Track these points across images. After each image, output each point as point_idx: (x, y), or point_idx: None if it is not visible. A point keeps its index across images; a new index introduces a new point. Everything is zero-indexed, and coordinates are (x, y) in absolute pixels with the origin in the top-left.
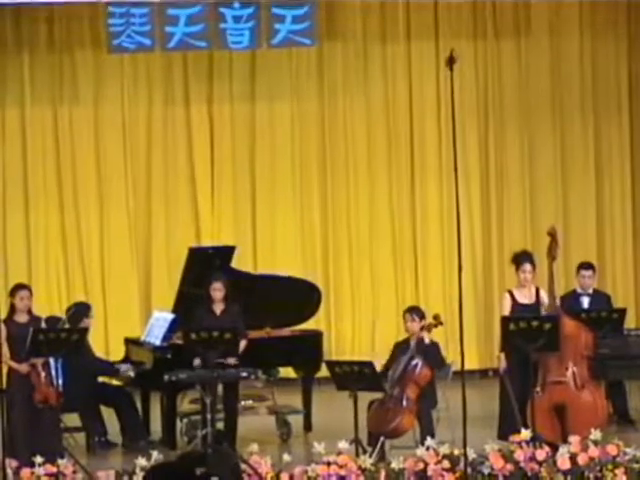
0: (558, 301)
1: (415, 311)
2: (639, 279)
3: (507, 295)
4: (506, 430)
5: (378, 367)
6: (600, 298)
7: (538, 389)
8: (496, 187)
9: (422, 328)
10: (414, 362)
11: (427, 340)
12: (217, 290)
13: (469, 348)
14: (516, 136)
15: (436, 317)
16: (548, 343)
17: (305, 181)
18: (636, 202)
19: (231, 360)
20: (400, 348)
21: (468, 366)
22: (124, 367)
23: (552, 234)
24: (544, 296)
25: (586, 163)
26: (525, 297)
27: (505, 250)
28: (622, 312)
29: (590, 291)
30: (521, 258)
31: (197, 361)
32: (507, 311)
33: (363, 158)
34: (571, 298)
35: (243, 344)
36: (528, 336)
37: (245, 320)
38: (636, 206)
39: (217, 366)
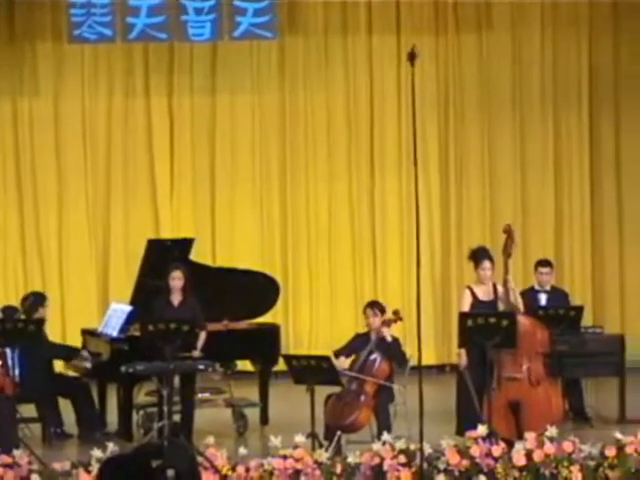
0: (513, 297)
1: (376, 306)
2: (596, 277)
3: (467, 291)
4: (465, 426)
5: (343, 364)
6: (558, 295)
7: (494, 385)
8: (456, 182)
9: (383, 323)
10: (373, 357)
11: (388, 337)
12: (176, 279)
13: (426, 344)
14: (476, 131)
15: (396, 312)
16: (505, 339)
17: (265, 174)
18: (595, 199)
19: (196, 353)
20: (360, 340)
21: (425, 361)
22: (85, 353)
23: (508, 232)
24: (511, 292)
25: (545, 159)
26: (484, 294)
27: (464, 246)
28: (579, 310)
29: (548, 288)
30: (479, 255)
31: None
32: (467, 307)
33: (323, 151)
34: (529, 295)
35: (203, 336)
36: (486, 332)
37: (203, 313)
38: (595, 203)
39: (174, 358)
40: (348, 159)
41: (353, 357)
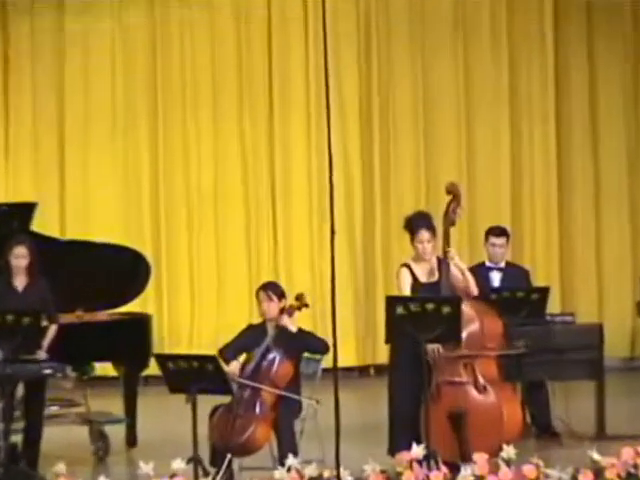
0: (461, 276)
1: (272, 288)
2: (565, 250)
3: (405, 271)
4: (398, 445)
5: (232, 368)
6: (515, 273)
7: (432, 392)
8: (381, 131)
9: (282, 311)
10: (271, 356)
11: (292, 328)
12: (20, 257)
13: (345, 338)
14: (407, 66)
15: (300, 297)
16: (446, 332)
17: (129, 120)
18: (562, 151)
19: (42, 354)
20: (254, 333)
21: (343, 362)
22: None
23: (452, 192)
24: (455, 268)
25: (497, 100)
26: (426, 273)
27: (392, 212)
28: (544, 292)
29: (502, 264)
30: (417, 223)
31: None
32: (407, 290)
33: (206, 90)
34: (477, 273)
35: (52, 331)
36: (421, 323)
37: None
38: (562, 156)
39: (14, 361)
40: (239, 101)
41: (245, 356)
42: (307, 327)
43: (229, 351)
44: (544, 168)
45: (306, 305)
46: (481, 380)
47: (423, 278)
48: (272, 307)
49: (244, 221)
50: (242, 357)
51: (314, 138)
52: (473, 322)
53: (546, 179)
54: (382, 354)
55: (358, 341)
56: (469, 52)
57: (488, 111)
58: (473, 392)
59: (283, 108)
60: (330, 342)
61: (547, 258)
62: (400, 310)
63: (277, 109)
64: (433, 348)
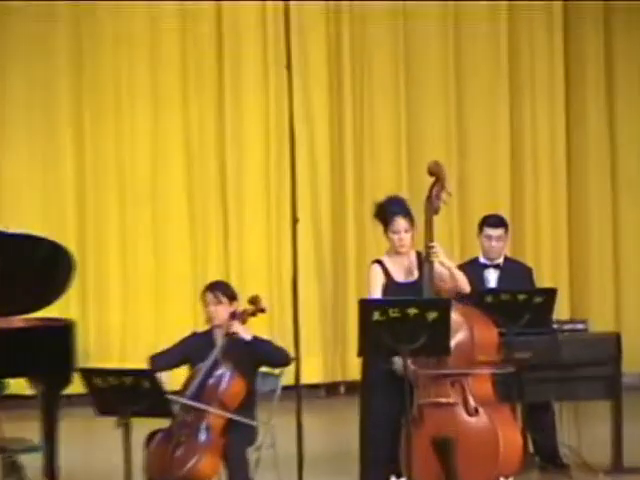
0: (447, 274)
1: (221, 289)
2: (575, 244)
3: (376, 268)
4: (372, 476)
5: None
6: (515, 272)
7: (414, 414)
8: (353, 100)
9: (233, 316)
10: (219, 371)
11: (246, 336)
12: None
13: (310, 350)
14: (385, 23)
15: (255, 300)
16: (432, 343)
17: (50, 93)
18: (572, 126)
19: None
20: (198, 343)
21: (308, 378)
22: None
23: (434, 173)
24: (440, 266)
25: (493, 63)
26: (403, 271)
27: (367, 199)
28: (550, 294)
29: (500, 261)
30: (390, 210)
31: None
32: (378, 292)
33: (142, 54)
34: (470, 271)
35: None
36: (402, 332)
37: None
38: (572, 132)
39: None
40: (182, 62)
41: (189, 372)
42: (264, 336)
43: (162, 359)
44: (550, 146)
45: (262, 310)
46: (472, 401)
47: (399, 277)
48: (221, 312)
49: (187, 211)
50: (180, 370)
51: (272, 104)
52: (461, 330)
53: (553, 159)
54: (354, 369)
55: (325, 353)
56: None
57: (482, 77)
58: (463, 415)
59: (234, 68)
60: (292, 354)
61: (554, 254)
62: (376, 316)
63: (227, 70)
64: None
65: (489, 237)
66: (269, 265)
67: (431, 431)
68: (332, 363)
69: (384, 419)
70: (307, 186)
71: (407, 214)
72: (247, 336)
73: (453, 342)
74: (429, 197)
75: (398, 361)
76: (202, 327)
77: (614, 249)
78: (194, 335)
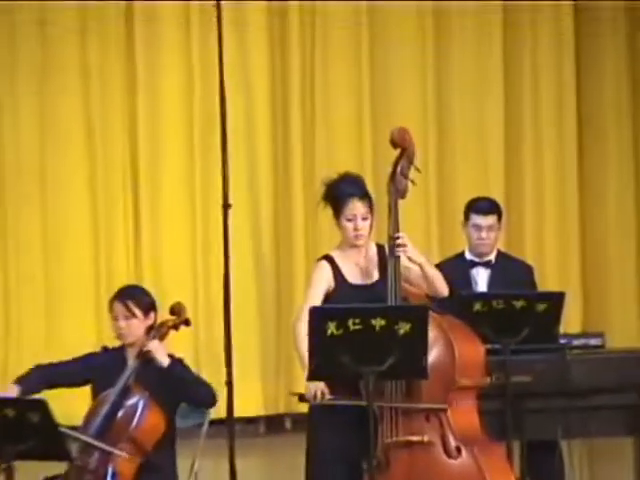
0: (420, 274)
1: (134, 296)
2: (588, 238)
3: (323, 266)
4: None
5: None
6: (511, 271)
7: (379, 456)
8: (302, 57)
9: (149, 331)
10: (131, 400)
11: (163, 360)
12: None
13: (246, 375)
14: None
15: (177, 310)
16: (404, 364)
17: None
18: (583, 89)
19: None
20: (106, 363)
21: (244, 410)
22: None
23: (399, 143)
24: (409, 263)
25: (483, 10)
26: (359, 270)
27: (318, 178)
28: (557, 300)
29: (491, 257)
30: (344, 190)
31: None
32: (318, 297)
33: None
34: (454, 270)
35: None
36: (365, 349)
37: None
38: (583, 96)
39: None
40: (79, 16)
41: (92, 401)
42: (188, 357)
43: (51, 373)
44: (556, 113)
45: (186, 322)
46: (452, 439)
47: (354, 277)
48: (134, 327)
49: (87, 198)
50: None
51: (198, 75)
52: (437, 346)
53: (561, 129)
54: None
55: (266, 378)
56: None
57: (469, 26)
58: (441, 457)
59: (147, 32)
60: (221, 382)
61: (561, 249)
62: (332, 329)
63: (138, 33)
64: (316, 389)
65: (478, 227)
66: (193, 264)
67: (401, 478)
68: (274, 391)
69: (338, 463)
70: (243, 165)
71: (364, 195)
72: (164, 360)
73: (436, 364)
74: (393, 175)
75: (313, 387)
76: (111, 341)
77: (638, 244)
78: (103, 352)
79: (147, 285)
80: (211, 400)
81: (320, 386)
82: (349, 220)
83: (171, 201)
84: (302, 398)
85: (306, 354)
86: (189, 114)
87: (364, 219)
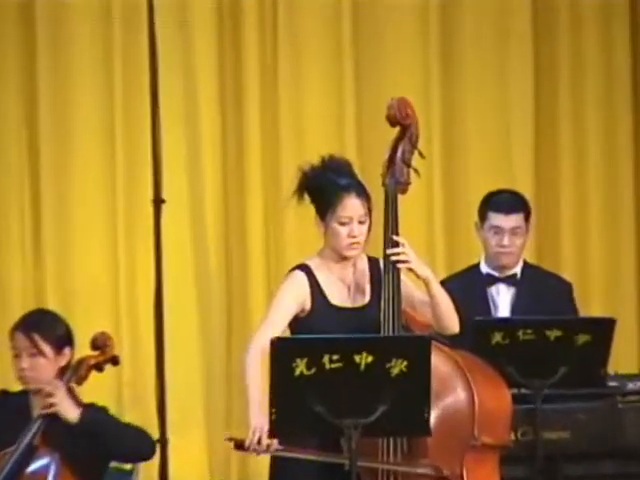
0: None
1: (40, 328)
2: None
3: (300, 277)
4: None
5: None
6: (543, 289)
7: None
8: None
9: (62, 373)
10: (40, 462)
11: (70, 414)
12: None
13: (184, 428)
14: None
15: (100, 342)
16: (401, 418)
17: None
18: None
19: None
20: (6, 412)
21: (182, 477)
22: None
23: (399, 121)
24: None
25: None
26: (346, 288)
27: (280, 164)
28: (605, 329)
29: (516, 270)
30: (336, 183)
31: None
32: (283, 320)
33: None
34: (467, 288)
35: None
36: (348, 395)
37: None
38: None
39: None
40: None
41: None
42: (108, 402)
43: None
44: (605, 89)
45: (113, 360)
46: None
47: (338, 298)
48: (41, 367)
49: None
50: None
51: (118, 42)
52: (453, 389)
53: (611, 110)
54: (260, 461)
55: (211, 433)
56: None
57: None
58: None
59: None
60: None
61: (609, 265)
62: (301, 368)
63: None
64: (261, 433)
65: (498, 230)
66: (114, 278)
67: None
68: (224, 450)
69: None
70: (181, 153)
71: (362, 191)
72: (70, 415)
73: (437, 413)
74: (391, 162)
75: (257, 431)
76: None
77: None
78: (2, 397)
79: (50, 306)
80: (144, 449)
81: (266, 429)
82: (343, 224)
83: (83, 196)
84: (240, 446)
85: (258, 395)
86: (109, 91)
87: (361, 222)
